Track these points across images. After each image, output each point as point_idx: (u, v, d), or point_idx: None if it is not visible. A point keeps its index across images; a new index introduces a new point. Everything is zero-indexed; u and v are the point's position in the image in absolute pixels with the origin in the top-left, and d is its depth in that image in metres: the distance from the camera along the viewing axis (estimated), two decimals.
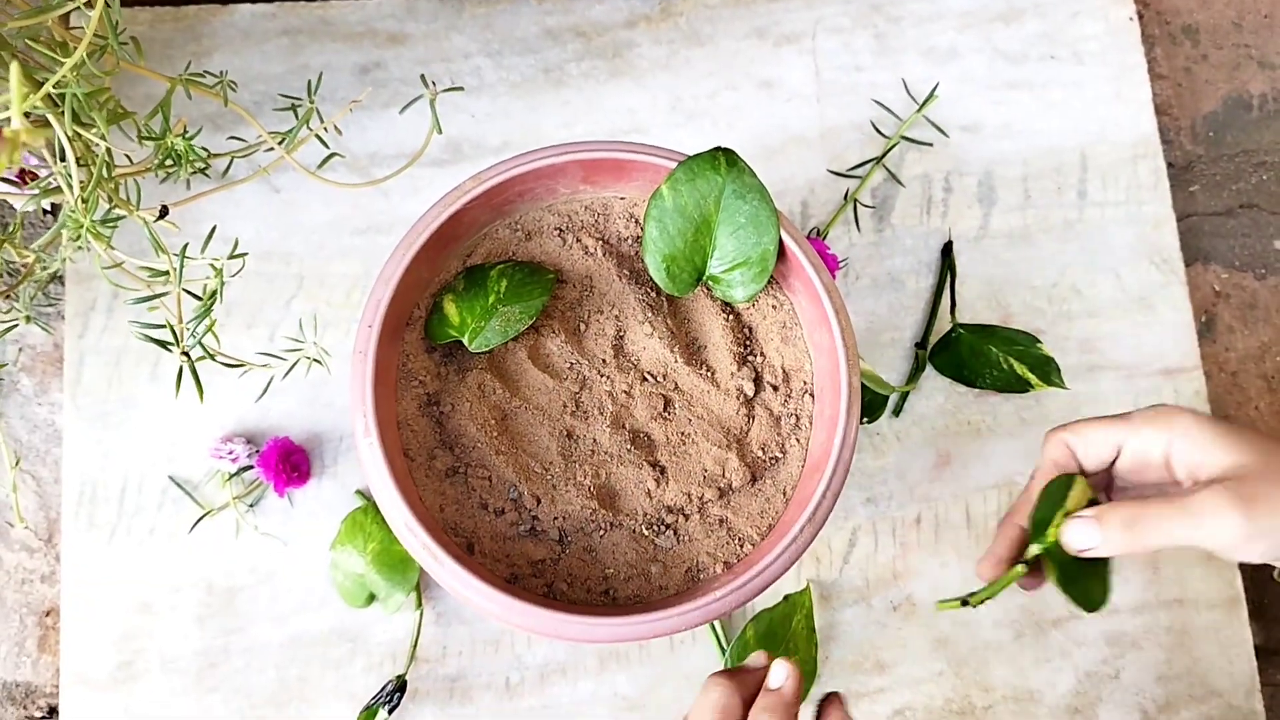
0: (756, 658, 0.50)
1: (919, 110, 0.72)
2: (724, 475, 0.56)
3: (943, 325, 0.70)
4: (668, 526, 0.55)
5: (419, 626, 0.63)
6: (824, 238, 0.70)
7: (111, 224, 0.53)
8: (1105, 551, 0.49)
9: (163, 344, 0.50)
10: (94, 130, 0.50)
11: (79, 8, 0.47)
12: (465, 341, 0.55)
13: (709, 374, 0.57)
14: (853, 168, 0.71)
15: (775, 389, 0.58)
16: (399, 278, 0.54)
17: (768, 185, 0.55)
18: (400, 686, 0.62)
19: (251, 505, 0.65)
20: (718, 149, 0.54)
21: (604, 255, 0.58)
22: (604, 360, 0.57)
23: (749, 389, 0.57)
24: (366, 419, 0.52)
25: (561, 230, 0.59)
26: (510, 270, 0.57)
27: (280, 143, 0.58)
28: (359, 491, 0.65)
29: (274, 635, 0.64)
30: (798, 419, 0.57)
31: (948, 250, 0.71)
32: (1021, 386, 0.67)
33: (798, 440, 0.57)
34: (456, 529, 0.55)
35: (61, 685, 0.63)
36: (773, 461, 0.57)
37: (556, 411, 0.56)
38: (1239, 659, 0.66)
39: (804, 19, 0.74)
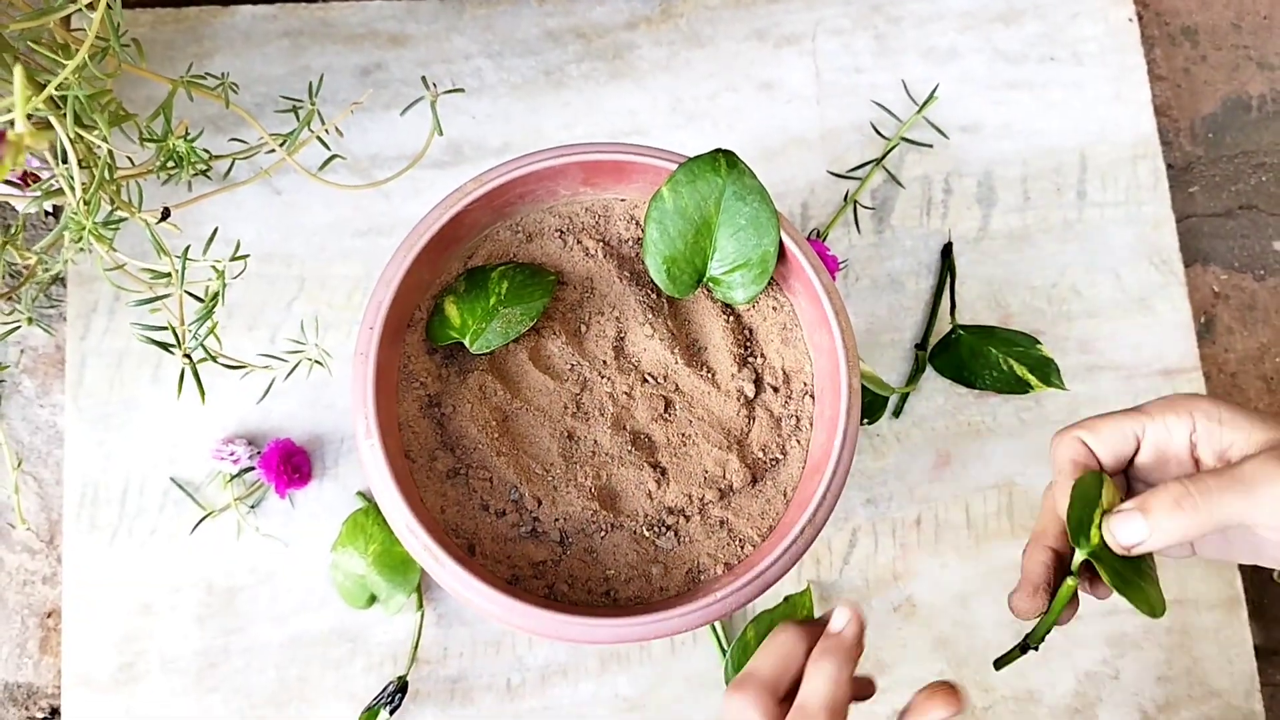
0: (828, 612, 0.48)
1: (919, 111, 0.72)
2: (724, 476, 0.56)
3: (942, 326, 0.70)
4: (668, 528, 0.56)
5: (420, 627, 0.63)
6: (824, 239, 0.70)
7: (114, 226, 0.53)
8: (1156, 541, 0.45)
9: (165, 346, 0.50)
10: (96, 132, 0.50)
11: (81, 10, 0.47)
12: (466, 343, 0.55)
13: (709, 375, 0.58)
14: (853, 169, 0.72)
15: (776, 390, 0.58)
16: (400, 279, 0.54)
17: (768, 187, 0.55)
18: (401, 687, 0.62)
19: (253, 506, 0.65)
20: (718, 151, 0.55)
21: (605, 257, 0.59)
22: (605, 362, 0.57)
23: (749, 390, 0.57)
24: (368, 420, 0.52)
25: (562, 232, 0.59)
26: (511, 272, 0.57)
27: (281, 144, 0.58)
28: (360, 493, 0.65)
29: (274, 636, 0.64)
30: (798, 420, 0.57)
31: (947, 251, 0.71)
32: (1021, 387, 0.68)
33: (798, 441, 0.57)
34: (458, 530, 0.55)
35: (63, 686, 0.63)
36: (773, 463, 0.57)
37: (557, 413, 0.57)
38: (1239, 659, 0.67)
39: (804, 20, 0.74)
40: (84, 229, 0.49)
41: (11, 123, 0.30)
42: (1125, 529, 0.45)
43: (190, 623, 0.64)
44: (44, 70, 0.51)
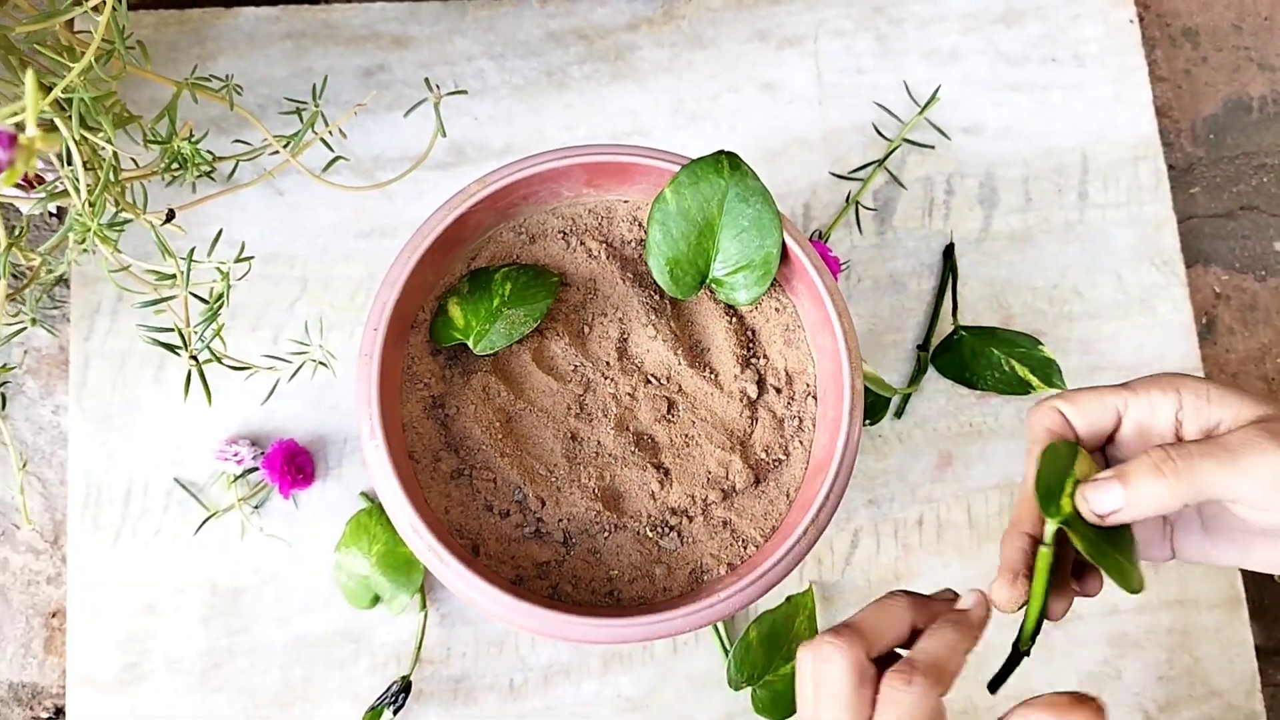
0: (945, 590, 0.47)
1: (921, 112, 0.72)
2: (727, 477, 0.56)
3: (944, 327, 0.70)
4: (672, 528, 0.56)
5: (423, 628, 0.64)
6: (826, 240, 0.70)
7: (118, 227, 0.53)
8: (1133, 510, 0.42)
9: (171, 347, 0.51)
10: (101, 134, 0.50)
11: (87, 12, 0.47)
12: (470, 344, 0.55)
13: (712, 376, 0.58)
14: (854, 170, 0.72)
15: (778, 391, 0.58)
16: (404, 281, 0.54)
17: (769, 188, 0.55)
18: (405, 687, 0.62)
19: (256, 507, 0.65)
20: (721, 152, 0.55)
21: (608, 258, 0.59)
22: (608, 363, 0.58)
23: (752, 391, 0.57)
24: (372, 421, 0.52)
25: (565, 233, 0.59)
26: (514, 273, 0.57)
27: (286, 146, 0.58)
28: (364, 493, 0.66)
29: (278, 636, 0.64)
30: (801, 421, 0.57)
31: (949, 252, 0.71)
32: (1023, 388, 0.68)
33: (801, 442, 0.57)
34: (462, 531, 0.55)
35: (68, 686, 0.63)
36: (776, 463, 0.57)
37: (561, 414, 0.57)
38: (1240, 659, 0.67)
39: (806, 22, 0.74)
40: (89, 230, 0.50)
41: (18, 125, 0.30)
42: (1100, 496, 0.43)
43: (194, 623, 0.64)
44: (49, 72, 0.51)
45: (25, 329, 0.62)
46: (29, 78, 0.28)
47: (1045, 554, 0.44)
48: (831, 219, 0.71)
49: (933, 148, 0.72)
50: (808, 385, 0.58)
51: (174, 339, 0.51)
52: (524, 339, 0.57)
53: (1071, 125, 0.73)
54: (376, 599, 0.63)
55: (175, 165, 0.56)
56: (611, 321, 0.58)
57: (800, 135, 0.72)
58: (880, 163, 0.71)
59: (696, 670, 0.65)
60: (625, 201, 0.60)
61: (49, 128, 0.48)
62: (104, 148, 0.50)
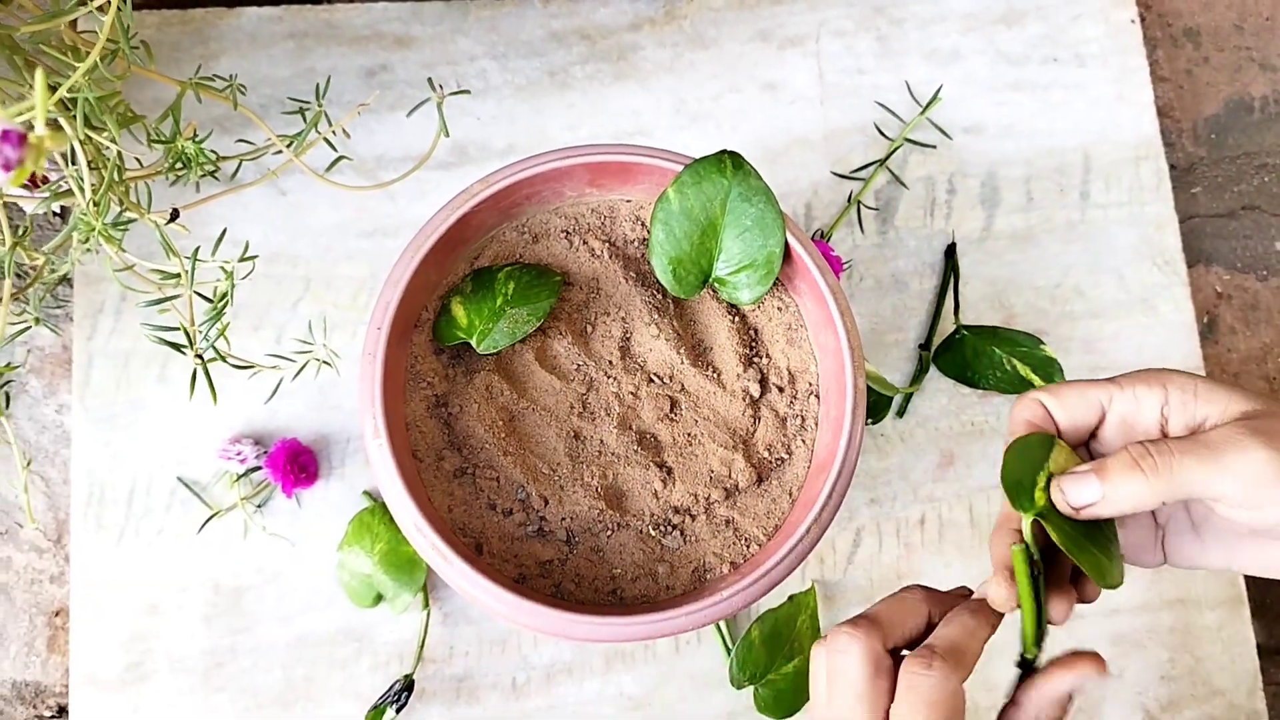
0: (960, 588, 0.46)
1: (923, 112, 0.72)
2: (730, 476, 0.56)
3: (946, 326, 0.70)
4: (674, 527, 0.56)
5: (426, 627, 0.64)
6: (828, 240, 0.70)
7: (123, 227, 0.53)
8: (1110, 505, 0.42)
9: (176, 346, 0.51)
10: (105, 134, 0.50)
11: (92, 12, 0.47)
12: (473, 343, 0.56)
13: (715, 375, 0.58)
14: (856, 170, 0.72)
15: (781, 390, 0.58)
16: (408, 280, 0.54)
17: (771, 187, 0.55)
18: (408, 686, 0.62)
19: (259, 506, 0.65)
20: (724, 152, 0.55)
21: (610, 257, 0.59)
22: (611, 362, 0.58)
23: (755, 390, 0.58)
24: (376, 420, 0.52)
25: (568, 233, 0.59)
26: (517, 272, 0.57)
27: (289, 146, 0.58)
28: (366, 492, 0.66)
29: (281, 635, 0.64)
30: (803, 420, 0.57)
31: (951, 252, 0.71)
32: (1024, 387, 0.68)
33: (803, 441, 0.57)
34: (465, 529, 0.55)
35: (71, 685, 0.63)
36: (779, 462, 0.57)
37: (564, 413, 0.57)
38: (1241, 658, 0.67)
39: (807, 22, 0.74)
40: (93, 230, 0.50)
41: (28, 124, 0.30)
42: (1077, 488, 0.42)
43: (197, 622, 0.64)
44: (53, 72, 0.51)
45: (29, 328, 0.62)
46: (39, 77, 0.28)
47: (1018, 552, 0.42)
48: (833, 218, 0.71)
49: (934, 147, 0.73)
50: (810, 384, 0.58)
51: (178, 338, 0.51)
52: (527, 338, 0.57)
53: (1073, 125, 0.74)
54: (379, 598, 0.63)
55: (179, 165, 0.56)
56: (614, 321, 0.58)
57: (802, 135, 0.73)
58: (882, 162, 0.72)
59: (699, 669, 0.65)
60: (628, 201, 0.60)
61: (54, 127, 0.48)
62: (108, 147, 0.51)
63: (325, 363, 0.60)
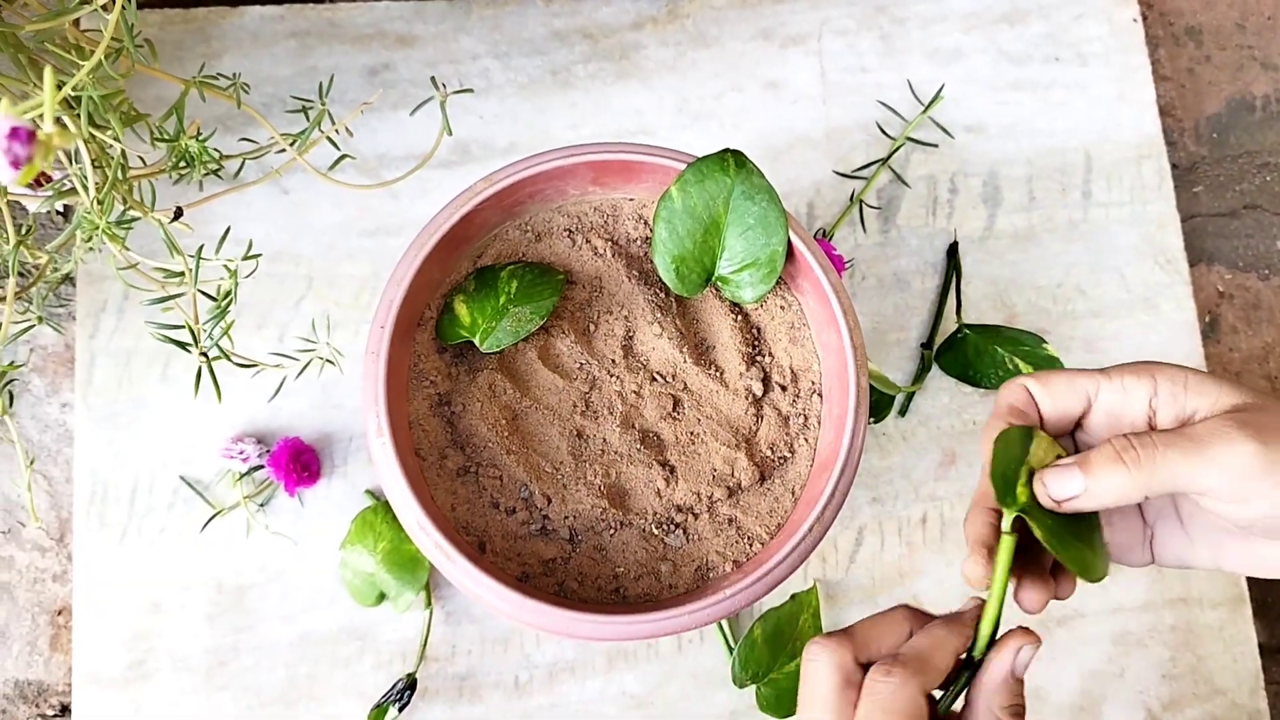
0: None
1: (924, 111, 0.72)
2: (733, 475, 0.56)
3: (948, 325, 0.70)
4: (677, 525, 0.56)
5: (428, 625, 0.64)
6: (830, 238, 0.71)
7: (126, 225, 0.53)
8: (1093, 499, 0.41)
9: (181, 345, 0.51)
10: (109, 132, 0.50)
11: (96, 10, 0.47)
12: (476, 342, 0.56)
13: (718, 374, 0.58)
14: (858, 169, 0.72)
15: (783, 389, 0.58)
16: (411, 278, 0.54)
17: (774, 186, 0.55)
18: (410, 685, 0.62)
19: (262, 505, 0.65)
20: (727, 150, 0.55)
21: (613, 256, 0.59)
22: (613, 360, 0.58)
23: (757, 389, 0.58)
24: (379, 419, 0.52)
25: (571, 231, 0.59)
26: (520, 271, 0.57)
27: (292, 144, 0.58)
28: (369, 491, 0.66)
29: (284, 634, 0.64)
30: (806, 419, 0.58)
31: (953, 251, 0.71)
32: None
33: (806, 440, 0.57)
34: (468, 528, 0.55)
35: (73, 684, 0.63)
36: (781, 461, 0.57)
37: (567, 411, 0.57)
38: (1243, 657, 0.67)
39: (810, 21, 0.74)
40: (97, 228, 0.50)
41: (33, 121, 0.30)
42: (1059, 482, 0.42)
43: (200, 621, 0.64)
44: (57, 70, 0.51)
45: (32, 327, 0.62)
46: (48, 75, 0.28)
47: (1008, 542, 0.41)
48: (835, 217, 0.71)
49: (936, 146, 0.73)
50: (813, 383, 0.58)
51: (185, 336, 0.51)
52: (530, 337, 0.57)
53: (1075, 124, 0.74)
54: (382, 596, 0.63)
55: (183, 163, 0.56)
56: (617, 319, 0.58)
57: (804, 134, 0.73)
58: (884, 161, 0.72)
59: (701, 668, 0.65)
60: (631, 200, 0.60)
61: (60, 125, 0.48)
62: (112, 146, 0.51)
63: (328, 361, 0.60)
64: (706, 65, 0.73)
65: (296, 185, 0.69)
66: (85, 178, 0.49)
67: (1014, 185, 0.72)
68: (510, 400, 0.57)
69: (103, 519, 0.65)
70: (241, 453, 0.64)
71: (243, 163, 0.63)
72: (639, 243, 0.60)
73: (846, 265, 0.70)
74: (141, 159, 0.58)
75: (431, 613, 0.64)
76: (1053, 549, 0.41)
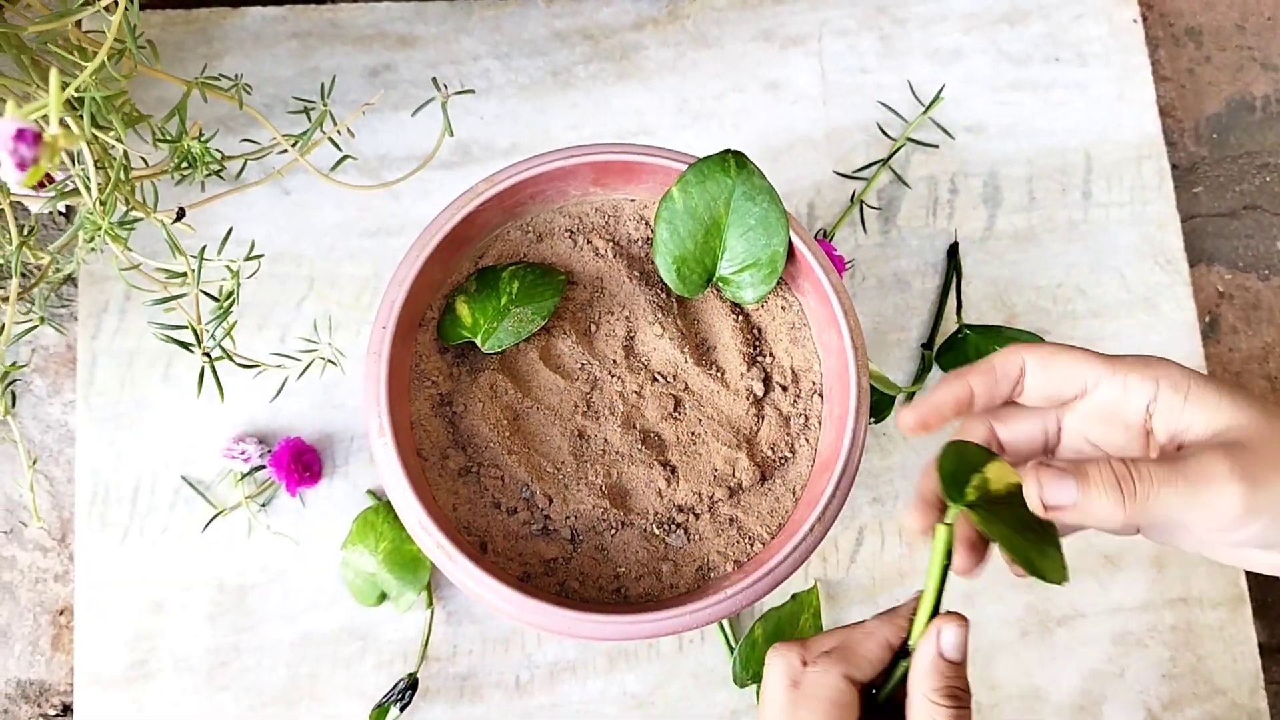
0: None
1: (925, 112, 0.72)
2: (734, 475, 0.56)
3: (949, 326, 0.70)
4: (678, 525, 0.56)
5: (430, 625, 0.64)
6: (830, 239, 0.71)
7: (129, 226, 0.53)
8: (1079, 515, 0.41)
9: (184, 345, 0.51)
10: (111, 133, 0.50)
11: (99, 12, 0.48)
12: (478, 342, 0.56)
13: (719, 374, 0.58)
14: (859, 169, 0.72)
15: (784, 389, 0.58)
16: (412, 279, 0.54)
17: (774, 187, 0.55)
18: (412, 685, 0.62)
19: (263, 505, 0.65)
20: (728, 151, 0.55)
21: (614, 257, 0.59)
22: (615, 361, 0.58)
23: (758, 389, 0.58)
24: (381, 419, 0.52)
25: (572, 232, 0.60)
26: (522, 272, 0.57)
27: (294, 145, 0.58)
28: (370, 491, 0.66)
29: (285, 633, 0.64)
30: (807, 419, 0.58)
31: (953, 251, 0.71)
32: None
33: (807, 440, 0.57)
34: (470, 528, 0.55)
35: (75, 684, 0.63)
36: (782, 461, 0.57)
37: (568, 411, 0.57)
38: (1243, 657, 0.67)
39: (810, 21, 0.74)
40: (100, 229, 0.50)
41: (39, 122, 0.30)
42: (1055, 486, 0.41)
43: (201, 621, 0.64)
44: (60, 71, 0.51)
45: (34, 327, 0.62)
46: (53, 77, 0.29)
47: (944, 532, 0.41)
48: (836, 218, 0.71)
49: (936, 147, 0.73)
50: (814, 383, 0.58)
51: (188, 337, 0.51)
52: (531, 337, 0.57)
53: (1075, 125, 0.74)
54: (383, 596, 0.63)
55: (185, 164, 0.56)
56: (618, 320, 0.58)
57: (804, 134, 0.73)
58: (884, 162, 0.72)
59: (702, 667, 0.65)
60: (632, 200, 0.60)
61: (64, 126, 0.48)
62: (114, 146, 0.51)
63: (330, 362, 0.60)
64: (707, 66, 0.73)
65: (298, 186, 0.69)
66: (88, 179, 0.49)
67: (1014, 185, 0.73)
68: (512, 400, 0.57)
69: (104, 519, 0.65)
70: (243, 453, 0.64)
71: (244, 163, 0.63)
72: (640, 243, 0.60)
73: (847, 266, 0.70)
74: (144, 160, 0.58)
75: (433, 613, 0.64)
76: (1005, 547, 0.41)
